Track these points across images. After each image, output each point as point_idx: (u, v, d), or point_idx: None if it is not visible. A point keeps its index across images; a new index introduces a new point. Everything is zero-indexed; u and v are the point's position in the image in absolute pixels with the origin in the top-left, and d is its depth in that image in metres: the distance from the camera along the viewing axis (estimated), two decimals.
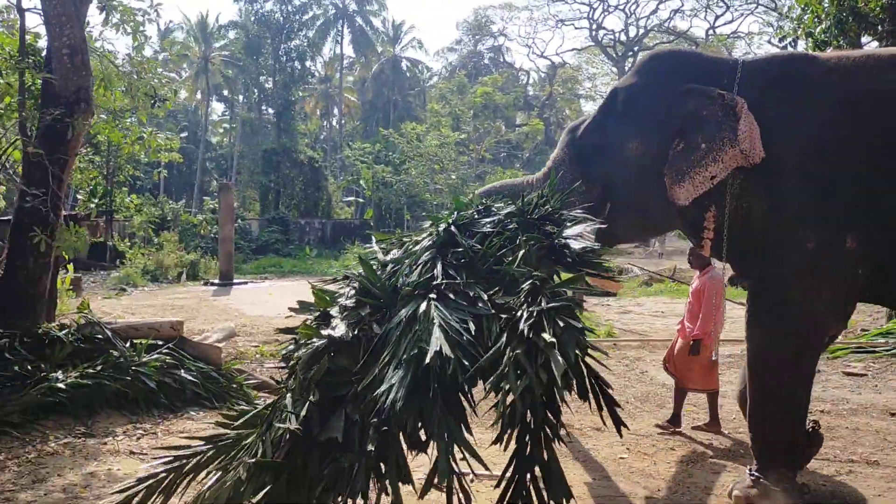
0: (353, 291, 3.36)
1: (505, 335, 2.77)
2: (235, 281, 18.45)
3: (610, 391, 2.75)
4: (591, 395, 2.68)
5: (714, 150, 3.81)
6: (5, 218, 13.15)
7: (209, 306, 13.47)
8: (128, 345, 6.28)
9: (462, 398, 2.83)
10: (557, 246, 3.25)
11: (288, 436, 2.91)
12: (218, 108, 51.09)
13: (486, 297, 3.04)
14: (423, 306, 2.98)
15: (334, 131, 50.70)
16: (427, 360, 2.65)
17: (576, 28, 43.94)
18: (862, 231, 3.66)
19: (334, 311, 3.31)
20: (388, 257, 3.57)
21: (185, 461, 3.26)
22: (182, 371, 6.16)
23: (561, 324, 2.68)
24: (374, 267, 3.45)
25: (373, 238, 3.93)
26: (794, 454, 3.93)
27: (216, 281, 18.24)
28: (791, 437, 3.86)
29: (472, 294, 3.07)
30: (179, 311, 12.12)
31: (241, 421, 3.37)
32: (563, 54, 60.21)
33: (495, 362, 2.70)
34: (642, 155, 4.15)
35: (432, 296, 3.03)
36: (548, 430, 2.68)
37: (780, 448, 3.84)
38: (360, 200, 36.49)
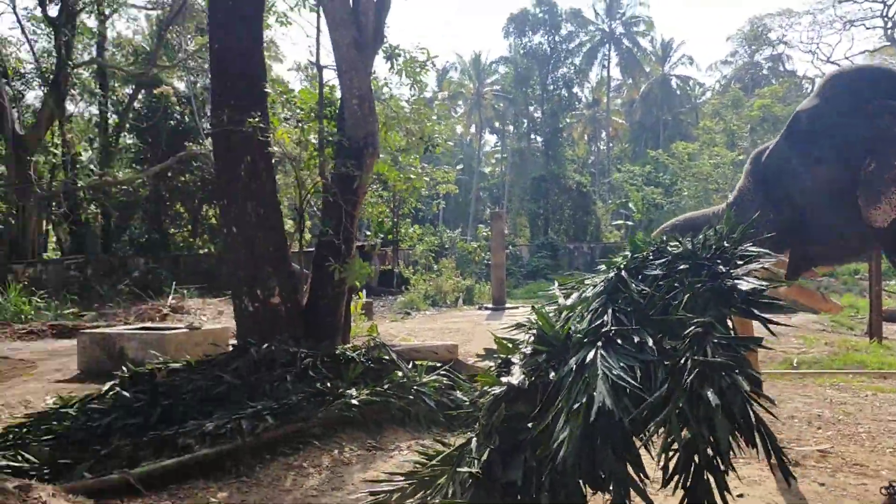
0: (531, 338, 3.44)
1: (668, 382, 2.75)
2: (507, 305, 19.07)
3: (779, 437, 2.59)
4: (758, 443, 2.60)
5: None
6: (310, 250, 14.85)
7: (483, 330, 14.05)
8: (410, 366, 6.78)
9: (634, 439, 2.82)
10: (726, 287, 3.05)
11: (471, 480, 3.12)
12: (490, 139, 53.53)
13: (651, 343, 2.97)
14: (590, 354, 2.99)
15: (602, 155, 50.55)
16: (592, 417, 2.70)
17: (867, 28, 39.36)
18: None
19: (515, 357, 3.43)
20: (568, 301, 3.57)
21: (388, 495, 3.57)
22: (458, 392, 6.50)
23: (728, 379, 2.62)
24: (554, 311, 3.52)
25: (555, 282, 3.92)
26: None
27: (489, 305, 18.99)
28: None
29: (638, 340, 3.02)
30: (456, 335, 12.80)
31: (436, 459, 3.62)
32: (853, 57, 54.23)
33: (658, 407, 2.71)
34: (832, 178, 4.02)
35: (600, 343, 3.03)
36: (713, 479, 2.60)
37: None
38: (630, 223, 35.90)
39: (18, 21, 22.79)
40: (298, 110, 7.94)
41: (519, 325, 3.73)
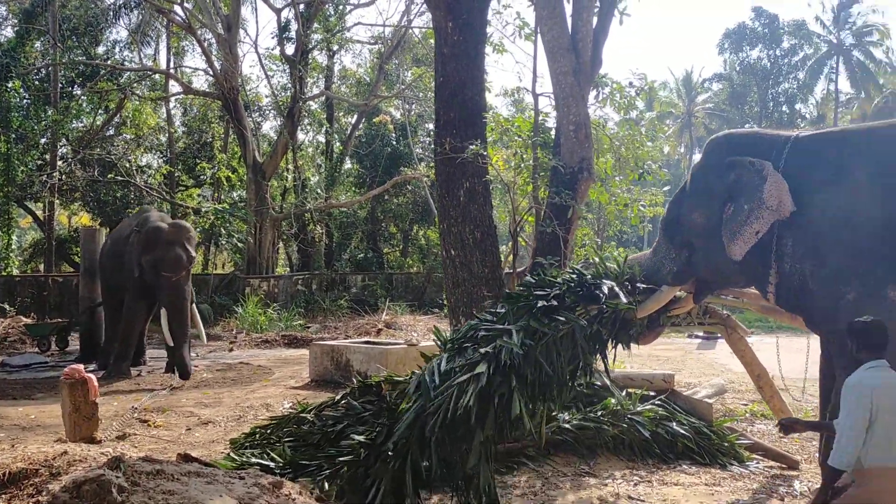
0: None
1: None
2: (719, 335, 18.11)
3: None
4: None
5: (754, 209, 4.47)
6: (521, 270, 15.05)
7: (695, 359, 13.49)
8: (623, 393, 6.70)
9: None
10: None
11: None
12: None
13: None
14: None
15: None
16: None
17: None
18: None
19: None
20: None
21: None
22: (674, 423, 6.32)
23: None
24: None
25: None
26: None
27: (700, 334, 18.15)
28: None
29: None
30: (666, 363, 12.40)
31: None
32: None
33: None
34: (707, 223, 4.88)
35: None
36: None
37: None
38: None
39: (259, 59, 25.47)
40: (517, 137, 8.19)
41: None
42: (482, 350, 4.71)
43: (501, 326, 4.88)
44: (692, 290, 5.28)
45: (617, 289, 5.05)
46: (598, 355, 5.14)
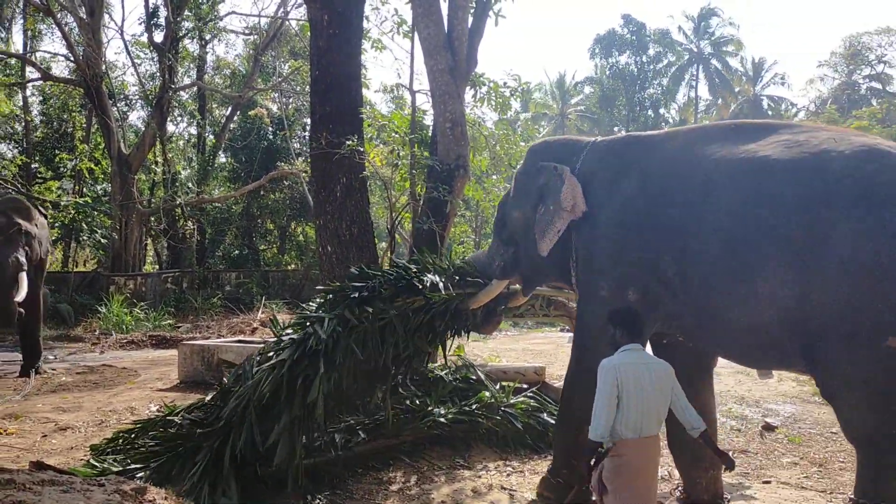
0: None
1: None
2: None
3: None
4: None
5: (556, 209, 4.83)
6: None
7: (566, 352, 13.95)
8: (497, 387, 6.84)
9: None
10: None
11: None
12: None
13: None
14: None
15: None
16: None
17: None
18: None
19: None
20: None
21: None
22: (545, 414, 6.53)
23: None
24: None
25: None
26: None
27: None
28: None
29: None
30: (538, 356, 12.76)
31: None
32: None
33: None
34: (525, 222, 5.26)
35: None
36: None
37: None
38: None
39: (126, 46, 24.16)
40: (394, 134, 8.18)
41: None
42: (292, 337, 5.20)
43: (315, 315, 5.29)
44: (520, 284, 5.69)
45: (438, 281, 5.42)
46: (438, 343, 5.72)
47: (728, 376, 9.56)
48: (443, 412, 6.22)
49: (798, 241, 3.78)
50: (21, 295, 8.90)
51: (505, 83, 9.00)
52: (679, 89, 44.26)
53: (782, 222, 3.84)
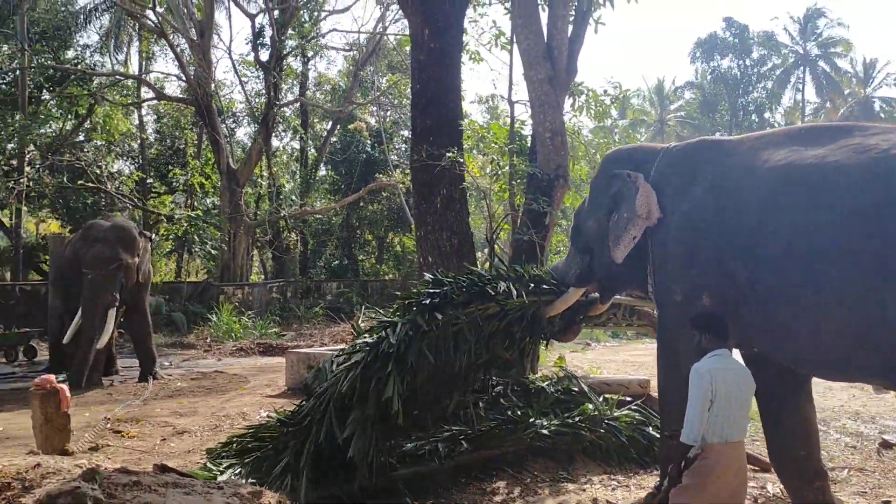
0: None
1: None
2: None
3: None
4: None
5: (630, 216, 4.80)
6: None
7: None
8: (600, 399, 6.73)
9: None
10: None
11: None
12: None
13: None
14: None
15: None
16: None
17: None
18: None
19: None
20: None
21: None
22: (650, 428, 6.37)
23: None
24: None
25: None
26: None
27: None
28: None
29: None
30: (639, 368, 12.46)
31: None
32: None
33: None
34: (598, 229, 5.28)
35: None
36: None
37: None
38: None
39: (233, 65, 25.29)
40: (493, 144, 8.22)
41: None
42: (366, 340, 5.40)
43: (390, 320, 5.48)
44: (597, 292, 5.72)
45: (512, 288, 5.45)
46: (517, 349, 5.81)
47: (841, 391, 9.06)
48: (545, 424, 6.16)
49: (866, 251, 3.67)
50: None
51: (605, 91, 8.90)
52: (785, 92, 42.52)
53: (848, 232, 3.75)
